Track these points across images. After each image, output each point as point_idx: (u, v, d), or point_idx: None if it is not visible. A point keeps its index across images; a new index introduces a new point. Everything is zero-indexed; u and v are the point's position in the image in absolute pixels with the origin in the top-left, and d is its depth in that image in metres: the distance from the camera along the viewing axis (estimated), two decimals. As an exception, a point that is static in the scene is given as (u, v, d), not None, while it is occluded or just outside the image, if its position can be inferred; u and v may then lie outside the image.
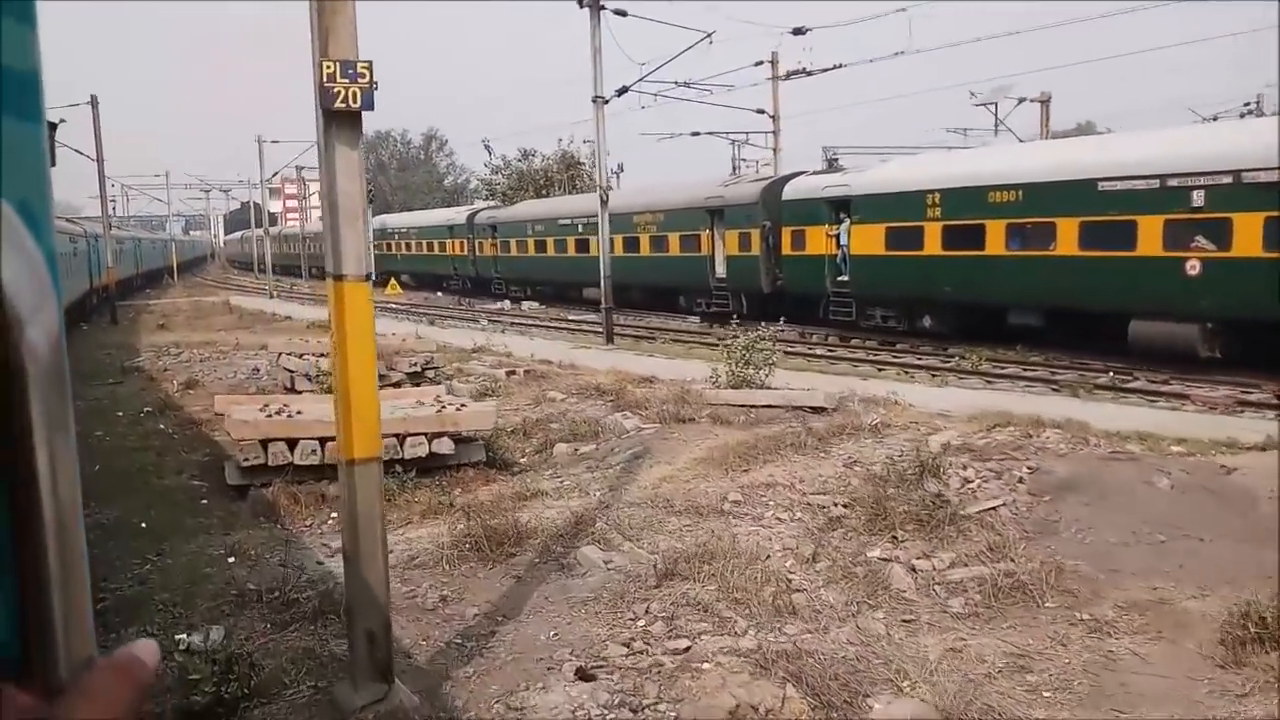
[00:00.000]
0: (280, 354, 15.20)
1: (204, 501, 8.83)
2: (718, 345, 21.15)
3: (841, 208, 22.64)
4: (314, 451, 8.60)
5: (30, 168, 0.53)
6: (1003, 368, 16.87)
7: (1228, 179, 14.92)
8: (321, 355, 14.78)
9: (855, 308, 22.16)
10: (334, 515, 8.35)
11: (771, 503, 7.74)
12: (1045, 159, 18.61)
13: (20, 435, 0.42)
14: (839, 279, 22.68)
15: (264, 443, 8.61)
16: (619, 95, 19.39)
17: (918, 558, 6.61)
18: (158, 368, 18.46)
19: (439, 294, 43.63)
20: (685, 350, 19.92)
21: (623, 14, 18.33)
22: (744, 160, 54.45)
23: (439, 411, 9.00)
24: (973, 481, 7.79)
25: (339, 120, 4.31)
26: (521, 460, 10.12)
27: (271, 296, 40.54)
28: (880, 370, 17.06)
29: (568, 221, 34.12)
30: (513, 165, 51.76)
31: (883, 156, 27.53)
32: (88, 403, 14.72)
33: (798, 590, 6.18)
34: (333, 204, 4.34)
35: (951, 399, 12.11)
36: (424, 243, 46.47)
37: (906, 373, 16.24)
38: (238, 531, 7.85)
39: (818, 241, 23.06)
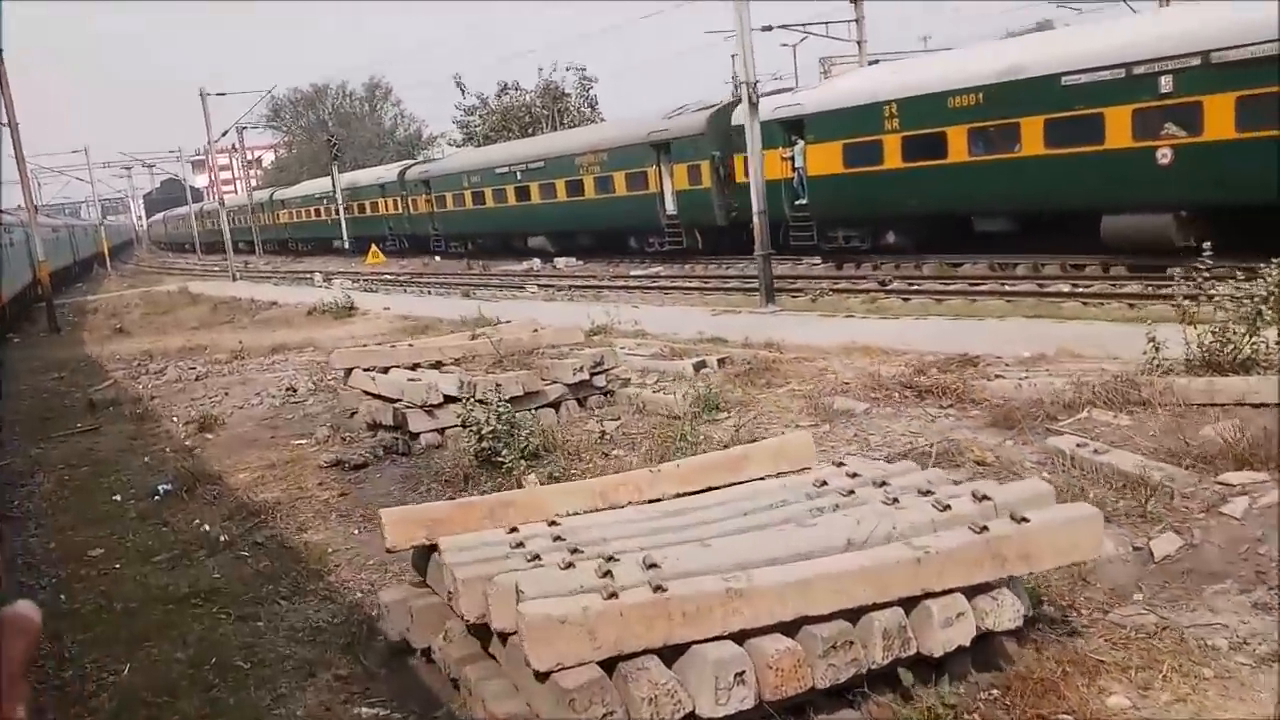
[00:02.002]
0: (353, 369, 9.65)
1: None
2: (930, 296, 16.38)
3: (795, 129, 21.51)
4: (740, 678, 3.35)
5: None
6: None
7: (1196, 61, 14.29)
8: (434, 365, 9.39)
9: (816, 230, 21.48)
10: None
11: None
12: (1004, 58, 17.65)
13: None
14: (797, 203, 21.75)
15: (609, 664, 3.34)
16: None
17: None
18: (142, 397, 12.76)
19: (422, 260, 37.94)
20: (871, 304, 14.84)
21: None
22: (730, 77, 48.67)
23: (983, 531, 3.76)
24: None
25: None
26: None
27: (235, 279, 34.43)
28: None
29: (505, 169, 31.85)
30: (490, 103, 45.37)
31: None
32: (55, 473, 9.19)
33: None
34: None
35: None
36: (356, 204, 43.77)
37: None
38: None
39: (773, 166, 21.43)
